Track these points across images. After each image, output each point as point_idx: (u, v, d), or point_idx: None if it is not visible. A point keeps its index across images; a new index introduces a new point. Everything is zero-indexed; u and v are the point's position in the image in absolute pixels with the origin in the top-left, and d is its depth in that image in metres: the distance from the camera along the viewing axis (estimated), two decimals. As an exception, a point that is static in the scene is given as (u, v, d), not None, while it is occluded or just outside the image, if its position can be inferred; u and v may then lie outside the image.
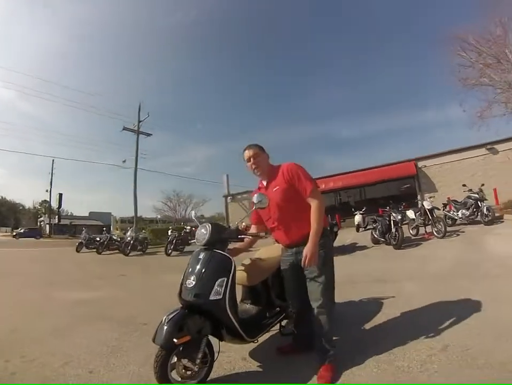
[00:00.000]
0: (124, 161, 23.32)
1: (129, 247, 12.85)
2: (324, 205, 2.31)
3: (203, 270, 2.13)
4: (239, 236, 2.40)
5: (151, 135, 24.30)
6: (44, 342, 3.17)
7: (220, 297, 2.07)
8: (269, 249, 2.95)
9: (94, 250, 13.91)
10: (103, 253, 13.52)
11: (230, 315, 2.10)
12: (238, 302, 2.37)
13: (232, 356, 2.60)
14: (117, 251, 13.89)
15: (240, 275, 2.51)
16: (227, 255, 2.26)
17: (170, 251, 12.02)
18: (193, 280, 2.09)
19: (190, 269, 2.19)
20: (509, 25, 13.31)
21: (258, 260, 2.75)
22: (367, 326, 3.07)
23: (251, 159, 2.44)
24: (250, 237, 2.45)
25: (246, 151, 2.48)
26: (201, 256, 2.22)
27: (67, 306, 4.61)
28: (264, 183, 2.52)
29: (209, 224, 2.30)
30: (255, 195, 2.27)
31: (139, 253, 13.37)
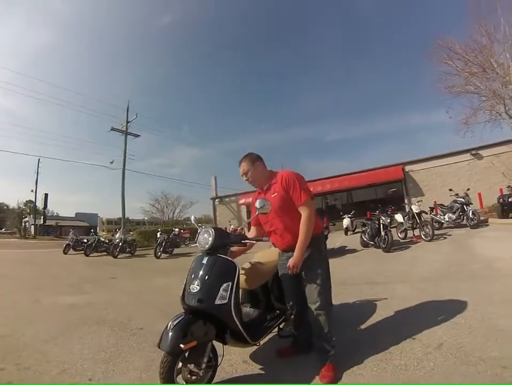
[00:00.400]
0: (111, 162, 22.96)
1: (118, 249, 12.65)
2: (313, 217, 2.37)
3: (208, 275, 2.14)
4: (243, 241, 2.43)
5: (139, 136, 24.15)
6: (38, 348, 3.08)
7: (226, 301, 2.09)
8: (267, 253, 2.99)
9: (82, 252, 13.67)
10: (91, 255, 13.26)
11: (235, 319, 2.13)
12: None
13: (234, 359, 2.64)
14: (105, 253, 13.68)
15: (241, 279, 2.53)
16: (231, 259, 2.29)
17: (159, 253, 11.95)
18: (197, 286, 2.10)
19: (193, 274, 2.20)
20: (494, 35, 13.77)
21: (258, 264, 2.78)
22: (363, 327, 3.16)
23: (245, 176, 2.57)
24: (253, 241, 2.47)
25: (240, 167, 2.59)
26: (204, 261, 2.22)
27: (59, 310, 4.51)
28: (264, 188, 2.59)
29: (212, 229, 2.32)
30: (257, 200, 2.32)
31: (127, 255, 13.17)
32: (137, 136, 23.84)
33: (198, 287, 2.09)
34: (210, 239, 2.23)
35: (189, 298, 2.11)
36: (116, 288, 6.27)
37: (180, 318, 2.02)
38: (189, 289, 2.13)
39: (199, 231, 2.43)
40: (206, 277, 2.12)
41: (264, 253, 3.01)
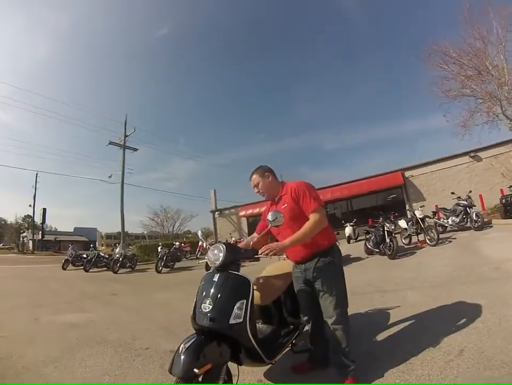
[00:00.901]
0: (110, 176, 22.79)
1: (118, 265, 12.44)
2: (321, 225, 2.29)
3: (220, 293, 2.01)
4: (255, 256, 2.30)
5: (137, 150, 24.07)
6: (38, 372, 2.93)
7: (241, 320, 1.96)
8: (278, 266, 2.88)
9: (81, 267, 13.42)
10: (90, 270, 13.02)
11: (251, 338, 2.00)
12: None
13: (247, 378, 2.51)
14: (105, 268, 13.46)
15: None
16: (245, 276, 2.16)
17: (160, 268, 11.76)
18: (210, 304, 1.96)
19: (204, 292, 2.07)
20: (487, 38, 13.92)
21: (270, 278, 2.68)
22: (379, 337, 3.06)
23: (255, 188, 2.58)
24: (267, 257, 2.33)
25: (251, 180, 2.61)
26: (215, 278, 2.09)
27: (59, 330, 4.35)
28: (276, 199, 2.55)
29: (223, 245, 2.20)
30: (270, 213, 2.24)
31: (128, 270, 12.96)
32: (135, 149, 23.78)
33: (210, 306, 1.96)
34: (221, 255, 2.11)
35: (201, 317, 1.97)
36: (117, 305, 6.10)
37: (192, 340, 1.86)
38: (201, 308, 1.99)
39: (202, 245, 2.31)
40: (219, 296, 1.99)
41: (276, 266, 2.90)
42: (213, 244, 2.34)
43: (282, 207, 2.40)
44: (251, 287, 2.12)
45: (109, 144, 22.36)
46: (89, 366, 3.02)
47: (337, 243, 2.58)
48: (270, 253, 2.17)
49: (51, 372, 2.93)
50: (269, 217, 2.22)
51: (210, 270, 2.22)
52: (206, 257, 2.29)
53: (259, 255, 2.29)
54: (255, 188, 2.57)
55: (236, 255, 2.23)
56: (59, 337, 4.02)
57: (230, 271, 2.13)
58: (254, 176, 2.56)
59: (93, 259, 13.41)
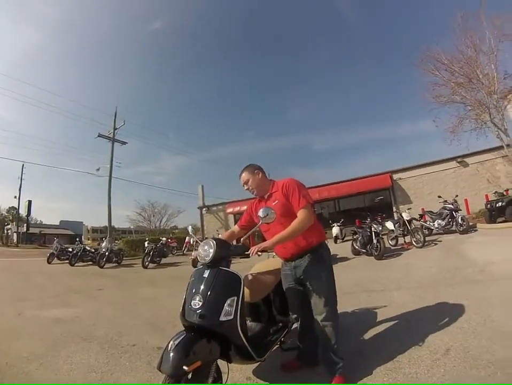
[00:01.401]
0: (98, 169, 22.41)
1: (104, 259, 12.28)
2: (309, 223, 2.30)
3: (210, 289, 1.99)
4: (246, 252, 2.28)
5: (126, 143, 23.75)
6: (22, 369, 2.86)
7: (231, 317, 1.95)
8: (268, 263, 2.89)
9: (67, 261, 13.18)
10: (76, 264, 12.81)
11: (241, 335, 1.99)
12: None
13: (236, 376, 2.50)
14: (90, 263, 13.26)
15: None
16: (235, 272, 2.15)
17: (147, 263, 11.65)
18: (199, 301, 1.94)
19: (194, 289, 2.05)
20: (479, 47, 14.13)
21: (259, 275, 2.68)
22: (366, 336, 3.10)
23: (245, 185, 2.57)
24: (259, 254, 2.31)
25: (240, 177, 2.60)
26: (205, 274, 2.07)
27: (44, 325, 4.26)
28: (265, 196, 2.55)
29: (213, 240, 2.17)
30: (261, 209, 2.21)
31: (114, 265, 12.81)
32: (124, 143, 23.45)
33: (200, 303, 1.94)
34: (212, 251, 2.09)
35: (191, 314, 1.95)
36: (103, 300, 6.01)
37: (181, 337, 1.84)
38: (191, 304, 1.97)
39: (192, 241, 2.29)
40: (209, 292, 1.98)
41: (265, 264, 2.90)
42: (201, 240, 2.31)
43: (273, 203, 2.39)
44: (242, 284, 2.11)
45: (98, 136, 22.01)
46: (75, 363, 2.96)
47: (326, 241, 2.60)
48: (254, 249, 2.14)
49: (36, 369, 2.86)
50: (260, 213, 2.18)
51: (200, 266, 2.20)
52: (193, 253, 2.27)
53: (249, 252, 2.28)
54: (245, 185, 2.57)
55: (227, 251, 2.21)
56: (44, 333, 3.94)
57: (220, 267, 2.11)
58: (244, 174, 2.56)
59: (79, 253, 13.19)
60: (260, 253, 2.17)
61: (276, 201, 2.40)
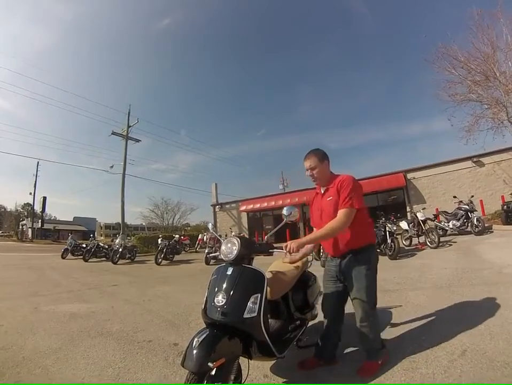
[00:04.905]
0: (111, 167, 22.91)
1: (118, 255, 12.47)
2: (343, 226, 2.24)
3: (234, 287, 2.00)
4: (270, 250, 2.28)
5: (140, 141, 24.14)
6: (39, 363, 2.87)
7: (255, 314, 1.95)
8: (283, 263, 2.86)
9: (80, 257, 13.48)
10: (90, 260, 13.08)
11: (264, 332, 2.00)
12: None
13: (253, 374, 2.48)
14: (104, 259, 13.51)
15: None
16: (259, 269, 2.16)
17: (160, 260, 11.77)
18: (223, 298, 1.95)
19: (217, 286, 2.05)
20: (496, 43, 13.84)
21: (280, 274, 2.67)
22: (382, 335, 3.02)
23: (309, 170, 2.45)
24: (282, 251, 2.25)
25: (306, 160, 2.46)
26: (229, 272, 2.08)
27: (59, 320, 4.32)
28: (322, 190, 2.50)
29: (238, 238, 2.18)
30: (285, 208, 2.24)
31: (127, 261, 13.00)
32: (137, 140, 23.80)
33: (224, 300, 1.94)
34: (235, 248, 2.10)
35: (214, 311, 1.96)
36: (118, 296, 6.09)
37: (205, 334, 1.84)
38: (214, 302, 1.98)
39: (205, 238, 2.30)
40: (232, 289, 1.99)
41: (281, 263, 2.89)
42: (213, 237, 2.33)
43: (328, 199, 2.37)
44: (265, 281, 2.11)
45: (112, 134, 22.34)
46: (91, 358, 2.97)
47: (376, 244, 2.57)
48: (287, 248, 2.14)
49: (53, 363, 2.87)
50: (284, 211, 2.22)
51: (223, 264, 2.21)
52: (206, 250, 2.26)
53: (272, 250, 2.28)
54: (309, 170, 2.44)
55: (250, 249, 2.22)
56: (60, 327, 3.99)
57: (243, 265, 2.12)
58: (312, 159, 2.42)
59: (93, 249, 13.47)
60: (289, 253, 2.18)
61: (330, 198, 2.36)
